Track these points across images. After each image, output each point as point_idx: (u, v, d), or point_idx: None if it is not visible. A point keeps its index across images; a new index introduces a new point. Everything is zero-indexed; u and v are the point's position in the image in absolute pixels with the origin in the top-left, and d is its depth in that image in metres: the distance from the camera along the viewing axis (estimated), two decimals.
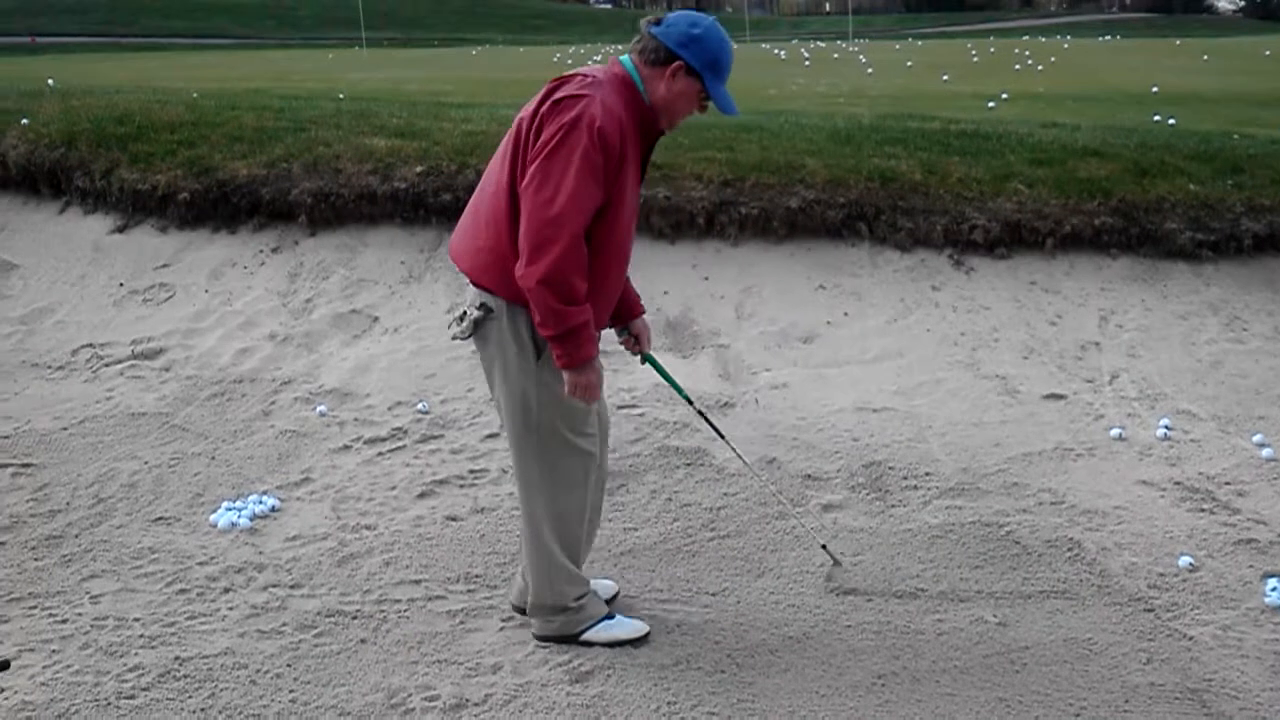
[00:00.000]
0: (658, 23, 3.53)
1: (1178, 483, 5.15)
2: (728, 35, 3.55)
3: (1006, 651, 3.83)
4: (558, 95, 3.40)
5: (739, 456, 4.45)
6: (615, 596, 4.17)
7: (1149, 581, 4.28)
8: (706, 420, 4.30)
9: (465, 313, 3.60)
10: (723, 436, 4.33)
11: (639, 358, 4.03)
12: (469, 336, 3.59)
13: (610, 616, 3.92)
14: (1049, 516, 4.84)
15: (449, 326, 3.73)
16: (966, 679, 3.68)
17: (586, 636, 3.86)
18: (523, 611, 3.98)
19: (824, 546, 4.43)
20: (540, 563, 3.78)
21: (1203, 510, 4.89)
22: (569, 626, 3.86)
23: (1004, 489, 5.13)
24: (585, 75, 3.47)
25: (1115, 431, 5.68)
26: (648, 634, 3.92)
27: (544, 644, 3.87)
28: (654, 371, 4.13)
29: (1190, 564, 4.37)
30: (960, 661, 3.78)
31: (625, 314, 3.90)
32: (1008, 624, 4.01)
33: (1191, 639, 3.89)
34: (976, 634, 3.95)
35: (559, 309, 3.36)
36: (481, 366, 3.75)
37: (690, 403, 4.25)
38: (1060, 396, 6.15)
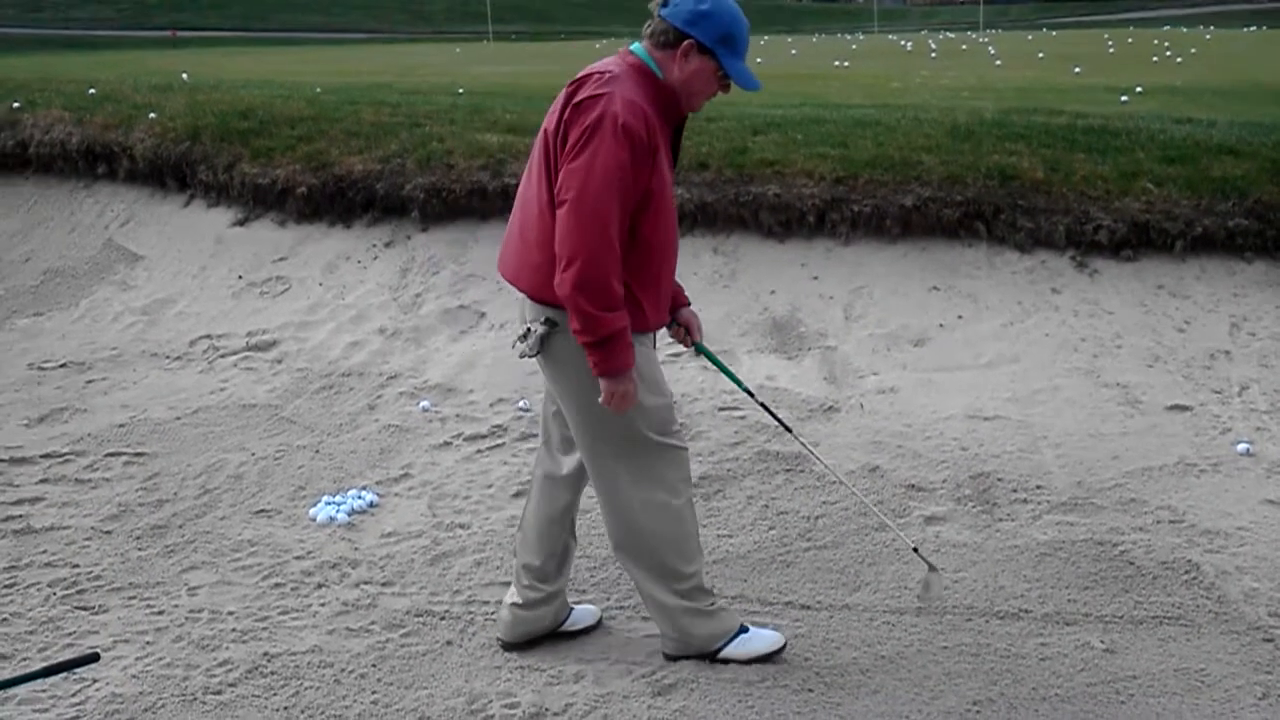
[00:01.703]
0: (665, 3, 3.38)
1: None
2: (739, 8, 3.39)
3: (1112, 680, 3.64)
4: (577, 99, 3.29)
5: (817, 458, 4.32)
6: (598, 623, 3.99)
7: (1270, 609, 4.02)
8: (770, 413, 4.18)
9: (529, 329, 3.48)
10: (789, 430, 4.18)
11: (692, 348, 3.91)
12: (538, 353, 3.49)
13: (744, 630, 3.78)
14: (1166, 536, 4.60)
15: (513, 345, 3.64)
16: (1067, 708, 3.50)
17: (725, 654, 3.72)
18: (509, 647, 3.84)
19: (915, 550, 4.20)
20: (651, 574, 3.62)
21: None
22: (707, 643, 3.72)
23: (1120, 505, 4.89)
24: (601, 73, 3.34)
25: (1242, 446, 5.38)
26: (785, 645, 3.78)
27: (670, 659, 3.76)
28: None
29: None
30: (1062, 690, 3.60)
31: (671, 306, 3.73)
32: (1115, 650, 3.81)
33: None
34: (1081, 660, 3.76)
35: (595, 315, 3.24)
36: (547, 383, 3.67)
37: (750, 394, 4.16)
38: (1185, 408, 5.86)
